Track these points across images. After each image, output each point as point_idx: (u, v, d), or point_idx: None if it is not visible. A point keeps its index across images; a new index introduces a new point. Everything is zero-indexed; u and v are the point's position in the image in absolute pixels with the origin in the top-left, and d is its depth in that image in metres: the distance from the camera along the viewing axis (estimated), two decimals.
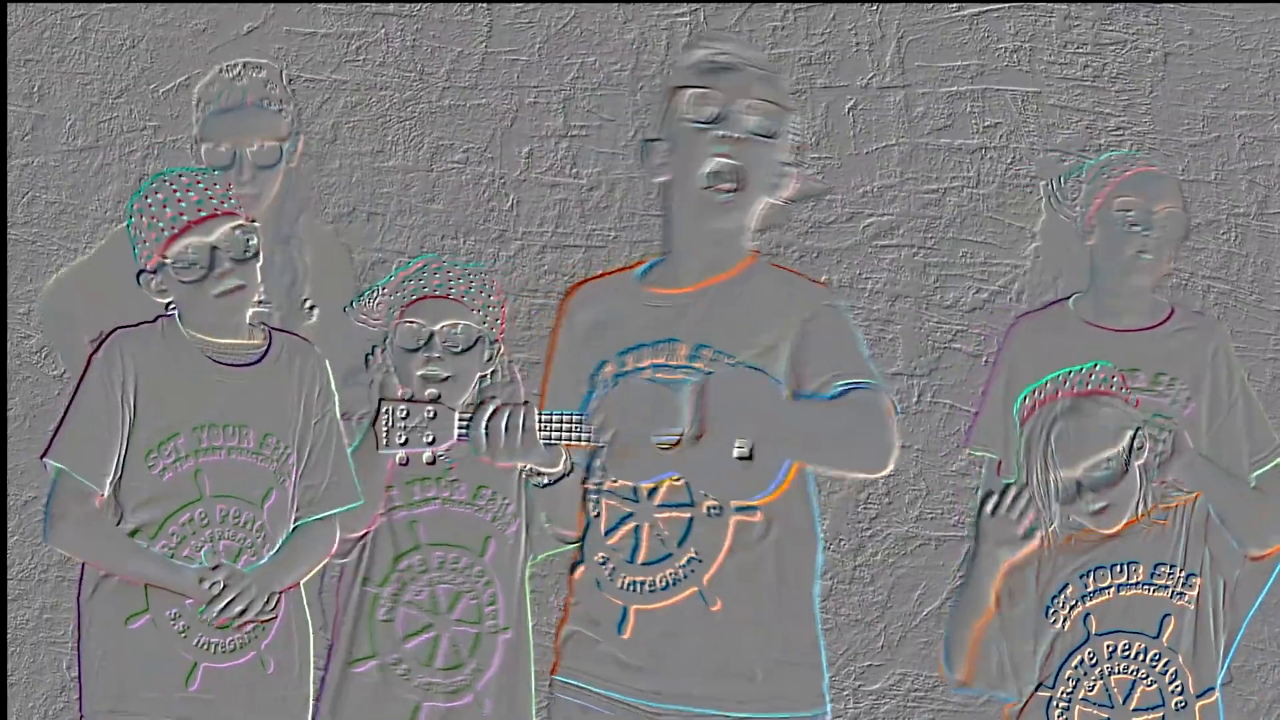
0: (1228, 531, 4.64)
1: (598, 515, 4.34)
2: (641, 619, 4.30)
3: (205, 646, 4.59)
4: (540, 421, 4.33)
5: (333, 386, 4.75)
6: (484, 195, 5.45)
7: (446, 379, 4.75)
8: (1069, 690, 4.60)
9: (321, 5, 5.48)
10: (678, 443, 4.27)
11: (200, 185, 4.60)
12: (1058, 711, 4.59)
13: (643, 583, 4.30)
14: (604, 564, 4.30)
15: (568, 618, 4.42)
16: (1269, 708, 5.28)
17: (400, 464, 4.68)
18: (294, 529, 4.68)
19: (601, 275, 4.54)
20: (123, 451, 4.62)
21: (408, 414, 4.47)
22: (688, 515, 4.25)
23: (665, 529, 4.27)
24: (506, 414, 4.32)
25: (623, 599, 4.30)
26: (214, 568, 4.55)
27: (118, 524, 4.64)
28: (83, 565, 4.66)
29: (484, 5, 5.48)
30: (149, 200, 4.57)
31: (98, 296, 4.93)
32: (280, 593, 4.64)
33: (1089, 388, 4.71)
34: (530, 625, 4.77)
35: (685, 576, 4.28)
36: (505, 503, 4.71)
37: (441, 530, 4.78)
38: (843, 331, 4.37)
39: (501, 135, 5.47)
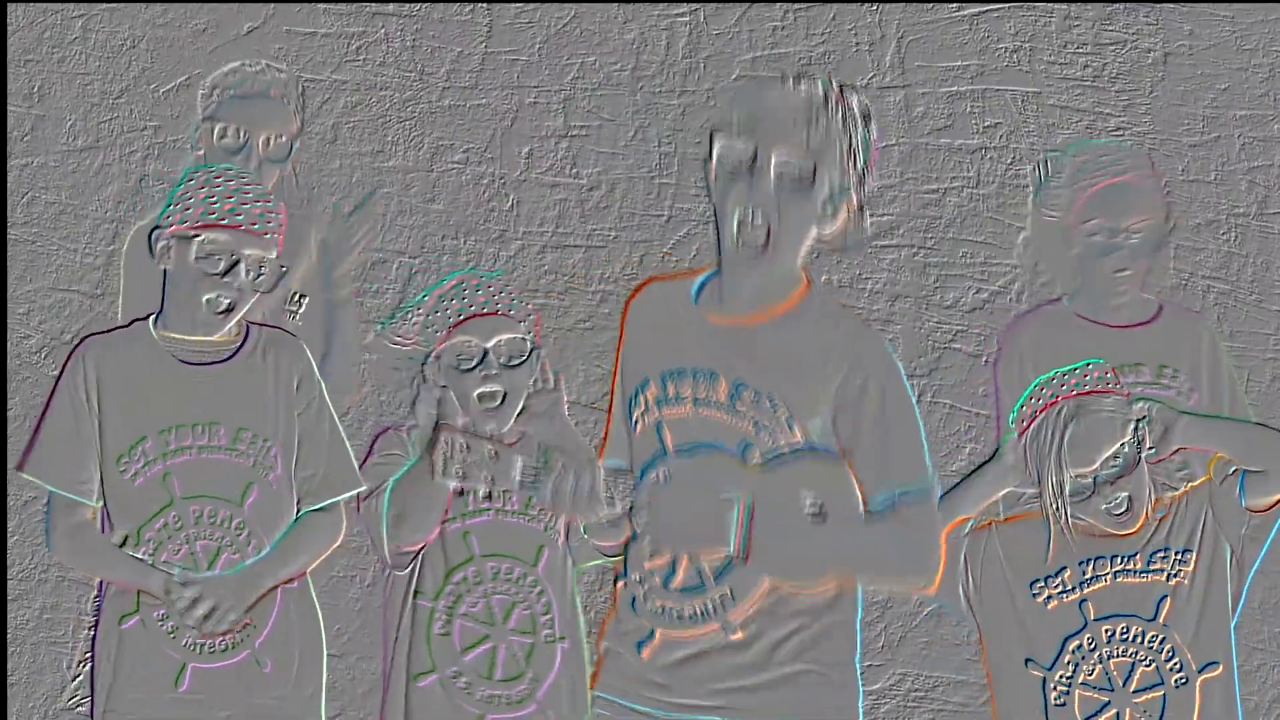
0: (1253, 475, 4.66)
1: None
2: (664, 643, 4.28)
3: (193, 647, 4.57)
4: (607, 484, 4.30)
5: (316, 374, 4.73)
6: (484, 195, 5.45)
7: (504, 395, 4.72)
8: (1068, 675, 4.61)
9: (321, 5, 5.48)
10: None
11: (249, 193, 4.59)
12: (1055, 696, 4.60)
13: (672, 610, 4.29)
14: (641, 583, 4.29)
15: (604, 631, 4.41)
16: (1269, 707, 5.29)
17: (457, 494, 4.66)
18: (296, 519, 4.67)
19: (668, 277, 4.49)
20: (99, 459, 4.61)
21: (469, 449, 4.42)
22: (727, 552, 4.24)
23: (705, 561, 4.25)
24: (573, 478, 4.28)
25: (651, 621, 4.28)
26: (183, 584, 4.52)
27: (110, 533, 4.63)
28: None
29: (484, 5, 5.48)
30: (203, 178, 4.55)
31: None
32: (278, 589, 4.62)
33: (1088, 387, 4.71)
34: (584, 634, 4.76)
35: (714, 611, 4.27)
36: None
37: (495, 541, 4.76)
38: (898, 413, 4.29)
39: (501, 135, 5.47)
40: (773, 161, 4.25)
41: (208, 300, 4.59)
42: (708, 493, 4.24)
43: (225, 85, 5.25)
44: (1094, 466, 4.65)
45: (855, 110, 4.34)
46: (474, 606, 4.75)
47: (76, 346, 4.66)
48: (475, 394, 4.69)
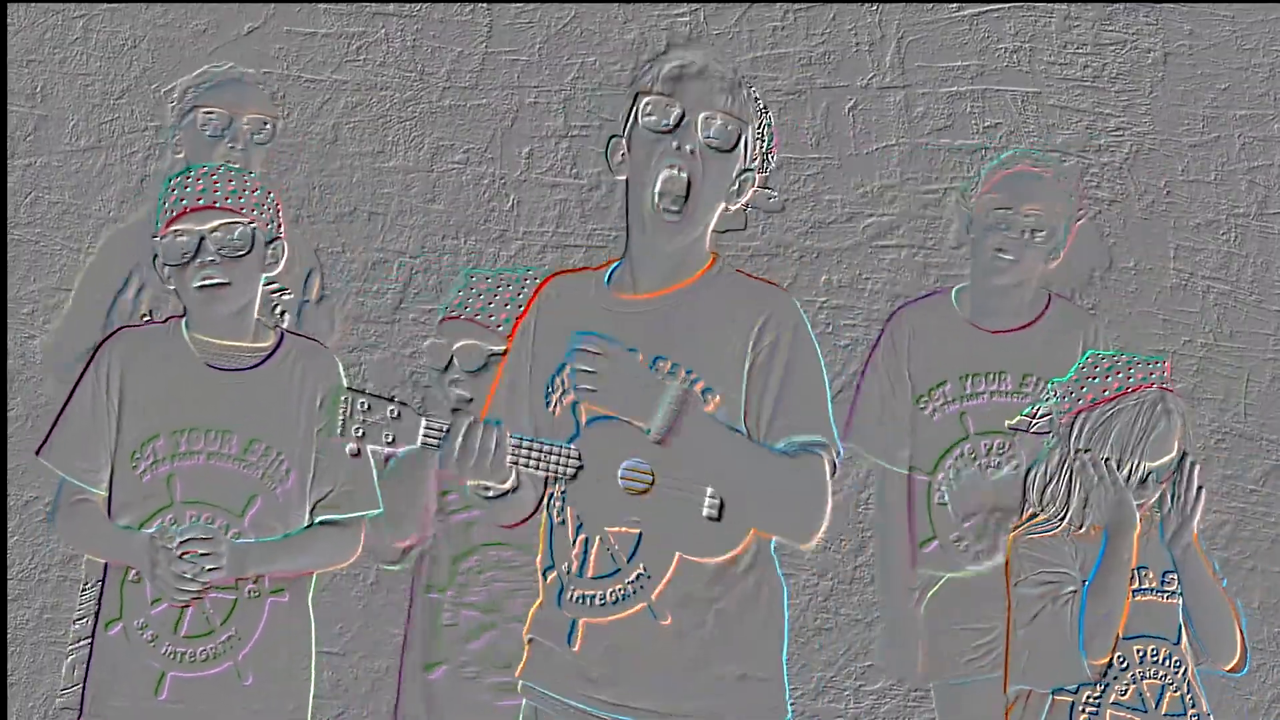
0: (1197, 634, 4.61)
1: (563, 522, 4.30)
2: (591, 632, 4.26)
3: (172, 655, 4.55)
4: (513, 446, 4.27)
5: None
6: (484, 195, 5.46)
7: (470, 400, 4.71)
8: (1096, 695, 4.56)
9: (321, 5, 5.48)
10: (647, 489, 4.23)
11: (213, 178, 4.58)
12: (1084, 717, 4.55)
13: (591, 596, 4.27)
14: (568, 572, 4.27)
15: (530, 624, 4.38)
16: (1268, 707, 5.28)
17: (352, 455, 4.61)
18: (310, 525, 4.65)
19: (578, 270, 4.49)
20: (113, 452, 4.60)
21: (369, 408, 4.35)
22: (638, 531, 4.22)
23: (615, 543, 4.23)
24: (481, 433, 4.25)
25: (572, 612, 4.26)
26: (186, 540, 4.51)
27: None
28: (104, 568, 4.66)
29: (484, 5, 5.49)
30: (172, 183, 4.55)
31: (90, 338, 4.91)
32: (266, 602, 4.59)
33: (1164, 383, 4.63)
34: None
35: (634, 593, 4.25)
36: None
37: (494, 530, 4.77)
38: (805, 369, 4.28)
39: (502, 135, 5.47)
40: (699, 122, 4.27)
41: (196, 287, 4.58)
42: (614, 464, 4.23)
43: (197, 83, 5.24)
44: (1163, 461, 4.59)
45: (760, 100, 4.38)
46: (477, 595, 4.76)
47: (108, 338, 4.65)
48: (194, 285, 4.60)
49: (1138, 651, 4.51)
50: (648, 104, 4.26)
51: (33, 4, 5.48)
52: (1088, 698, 4.52)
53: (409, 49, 5.49)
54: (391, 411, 4.20)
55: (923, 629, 5.05)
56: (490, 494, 4.25)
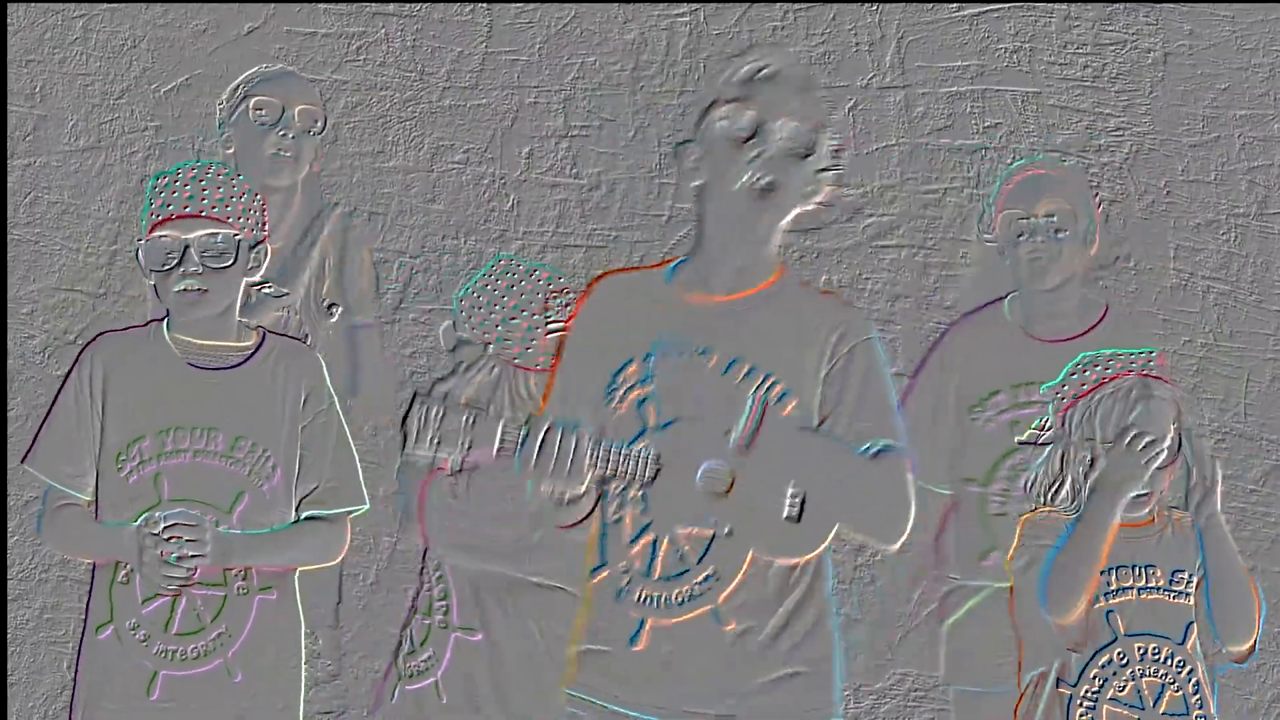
0: (1213, 612, 4.60)
1: (619, 520, 4.28)
2: (656, 633, 4.25)
3: (164, 654, 4.55)
4: (591, 450, 4.23)
5: (328, 388, 4.71)
6: (484, 195, 5.46)
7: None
8: (1094, 689, 4.56)
9: (321, 5, 5.48)
10: (728, 490, 4.22)
11: (201, 183, 4.58)
12: (1080, 710, 4.54)
13: (659, 597, 4.26)
14: (625, 573, 4.25)
15: (579, 634, 4.37)
16: (1268, 707, 5.28)
17: (441, 469, 4.61)
18: (296, 520, 4.65)
19: (629, 270, 4.48)
20: (97, 455, 4.60)
21: (444, 414, 4.29)
22: (710, 532, 4.21)
23: (685, 544, 4.23)
24: (561, 436, 4.21)
25: (639, 612, 4.25)
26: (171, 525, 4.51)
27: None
28: (93, 568, 4.65)
29: (484, 5, 5.49)
30: (160, 182, 4.55)
31: None
32: (255, 600, 4.59)
33: (1147, 371, 4.63)
34: (536, 634, 4.75)
35: (701, 594, 4.23)
36: None
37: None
38: (880, 379, 4.29)
39: (502, 135, 5.47)
40: (777, 126, 4.27)
41: (177, 292, 4.58)
42: (693, 466, 4.22)
43: (250, 79, 5.26)
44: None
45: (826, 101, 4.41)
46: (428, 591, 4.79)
47: (90, 343, 4.65)
48: (175, 290, 4.59)
49: (1139, 649, 4.51)
50: (723, 111, 4.25)
51: (33, 4, 5.48)
52: (1086, 692, 4.52)
53: (409, 49, 5.49)
54: (468, 418, 4.15)
55: (949, 634, 5.06)
56: (564, 498, 4.22)
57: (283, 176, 5.18)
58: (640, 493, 4.19)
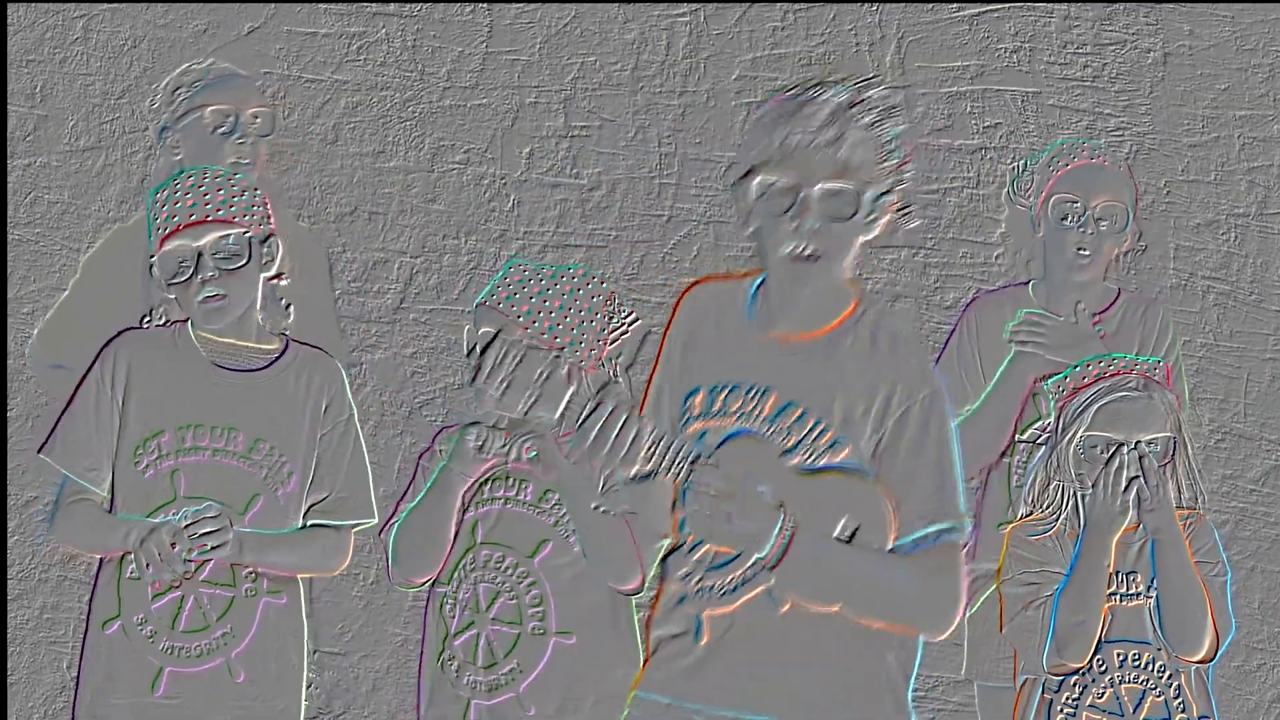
0: (1163, 622, 4.59)
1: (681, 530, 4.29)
2: (715, 624, 4.25)
3: (170, 651, 4.57)
4: (651, 441, 4.21)
5: (348, 399, 4.72)
6: (485, 195, 5.46)
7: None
8: (1074, 696, 4.56)
9: (322, 5, 5.49)
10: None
11: (202, 189, 4.58)
12: (1061, 716, 4.55)
13: (712, 587, 4.26)
14: (687, 579, 4.26)
15: (649, 634, 4.37)
16: (1269, 707, 5.29)
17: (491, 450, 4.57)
18: (304, 526, 4.66)
19: (722, 279, 4.43)
20: (114, 449, 4.61)
21: (521, 362, 4.18)
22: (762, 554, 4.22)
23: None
24: (624, 421, 4.19)
25: (694, 605, 4.25)
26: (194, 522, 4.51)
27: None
28: (99, 564, 4.65)
29: (484, 5, 5.49)
30: (160, 195, 4.55)
31: (84, 333, 4.89)
32: (261, 601, 4.60)
33: (1141, 371, 4.64)
34: (635, 641, 4.72)
35: (754, 575, 4.23)
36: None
37: (495, 529, 4.75)
38: (932, 444, 4.21)
39: (502, 135, 5.48)
40: (815, 195, 4.22)
41: (199, 301, 4.59)
42: (748, 481, 4.20)
43: (187, 82, 5.21)
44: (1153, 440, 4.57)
45: (879, 107, 4.29)
46: (467, 592, 4.75)
47: (113, 339, 4.66)
48: (197, 300, 4.59)
49: (1118, 655, 4.51)
50: (759, 184, 4.20)
51: (33, 4, 5.49)
52: (1067, 698, 4.52)
53: (409, 49, 5.50)
54: (541, 372, 4.06)
55: (969, 627, 5.07)
56: (631, 478, 4.19)
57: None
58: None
